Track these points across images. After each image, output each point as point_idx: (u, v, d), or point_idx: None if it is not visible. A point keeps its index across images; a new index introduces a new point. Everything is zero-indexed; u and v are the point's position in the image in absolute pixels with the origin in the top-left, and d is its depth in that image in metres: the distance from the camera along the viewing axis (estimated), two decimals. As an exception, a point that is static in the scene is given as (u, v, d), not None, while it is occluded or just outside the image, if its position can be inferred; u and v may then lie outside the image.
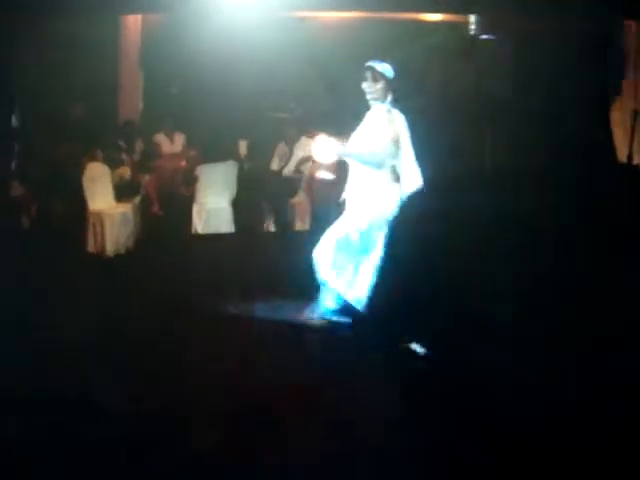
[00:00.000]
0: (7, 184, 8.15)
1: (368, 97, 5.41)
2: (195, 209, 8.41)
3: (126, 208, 8.13)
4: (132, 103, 9.69)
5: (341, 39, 9.77)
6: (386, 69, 5.32)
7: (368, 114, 5.48)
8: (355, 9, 9.22)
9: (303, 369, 4.97)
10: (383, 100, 5.36)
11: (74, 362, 4.93)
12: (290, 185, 8.69)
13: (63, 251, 7.69)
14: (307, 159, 8.74)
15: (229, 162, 8.62)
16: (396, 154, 5.33)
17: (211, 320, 5.87)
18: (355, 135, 5.50)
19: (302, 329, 5.64)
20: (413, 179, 5.37)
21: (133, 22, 9.80)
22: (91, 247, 7.84)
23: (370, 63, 5.34)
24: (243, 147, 9.34)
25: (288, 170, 8.88)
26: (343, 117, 9.43)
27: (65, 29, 9.11)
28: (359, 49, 9.64)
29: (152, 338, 5.45)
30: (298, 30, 9.80)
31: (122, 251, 7.89)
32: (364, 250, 5.43)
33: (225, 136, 9.02)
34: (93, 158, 8.32)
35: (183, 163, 9.10)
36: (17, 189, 8.23)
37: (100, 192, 8.07)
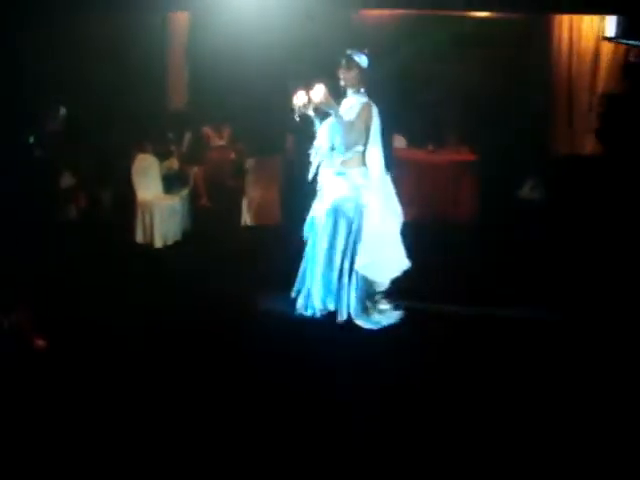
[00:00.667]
0: (58, 174, 8.19)
1: (342, 83, 5.69)
2: (245, 201, 8.40)
3: (175, 199, 8.16)
4: (180, 95, 9.71)
5: (395, 34, 9.76)
6: (362, 59, 5.59)
7: (344, 101, 5.72)
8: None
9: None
10: (356, 88, 5.63)
11: (120, 354, 5.00)
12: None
13: (112, 241, 7.75)
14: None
15: (277, 155, 8.61)
16: (362, 141, 5.61)
17: (260, 312, 5.91)
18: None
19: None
20: (377, 165, 5.65)
21: (180, 15, 9.82)
22: (140, 238, 7.86)
23: (348, 51, 5.60)
24: (290, 140, 9.29)
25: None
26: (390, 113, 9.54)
27: (114, 22, 9.17)
28: (403, 43, 9.69)
29: (199, 330, 5.49)
30: (346, 24, 9.80)
31: (170, 242, 7.92)
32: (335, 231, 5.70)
33: (273, 129, 8.99)
34: (142, 149, 8.33)
35: (232, 155, 9.09)
36: (67, 179, 8.27)
37: (149, 183, 8.09)
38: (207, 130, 9.32)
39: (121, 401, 4.32)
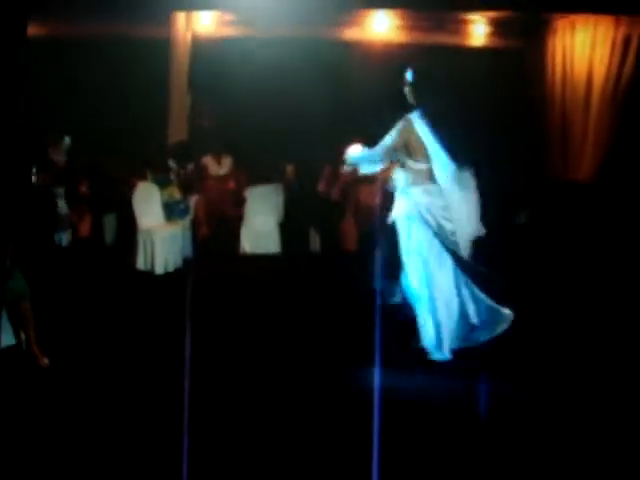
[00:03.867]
0: (61, 200, 8.36)
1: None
2: (243, 230, 8.54)
3: (175, 228, 8.32)
4: (181, 124, 9.86)
5: (389, 64, 9.96)
6: (409, 73, 5.55)
7: None
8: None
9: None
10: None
11: (119, 379, 5.12)
12: (336, 208, 8.82)
13: (114, 268, 7.88)
14: (353, 182, 8.91)
15: (277, 184, 8.77)
16: (404, 159, 5.50)
17: (258, 338, 5.98)
18: None
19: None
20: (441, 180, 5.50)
21: (182, 43, 10.00)
22: (141, 265, 8.01)
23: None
24: (290, 170, 9.46)
25: (334, 193, 9.01)
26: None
27: (116, 50, 9.40)
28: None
29: (200, 356, 5.59)
30: (346, 54, 10.03)
31: (171, 269, 8.06)
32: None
33: (273, 159, 9.17)
34: (143, 177, 8.52)
35: (231, 185, 9.24)
36: (69, 205, 8.42)
37: (150, 211, 8.26)
38: (206, 159, 9.46)
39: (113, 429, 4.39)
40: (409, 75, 5.57)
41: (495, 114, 9.92)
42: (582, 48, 9.84)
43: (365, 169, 5.79)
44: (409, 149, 5.48)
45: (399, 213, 5.60)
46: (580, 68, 9.91)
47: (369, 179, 9.24)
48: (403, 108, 5.61)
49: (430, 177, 5.49)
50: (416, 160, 5.46)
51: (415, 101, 5.52)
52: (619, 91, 9.62)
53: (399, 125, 5.51)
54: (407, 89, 5.57)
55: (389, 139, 5.52)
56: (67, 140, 8.70)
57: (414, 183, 5.50)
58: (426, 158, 5.45)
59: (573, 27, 9.89)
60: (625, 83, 9.56)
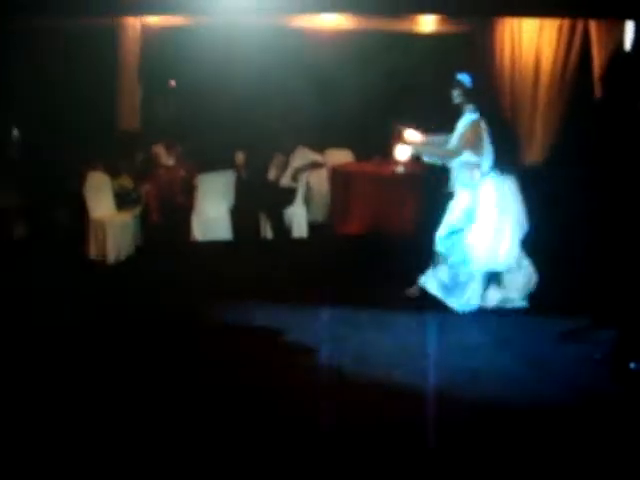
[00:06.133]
0: (11, 191, 8.36)
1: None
2: (194, 218, 8.60)
3: (127, 216, 8.37)
4: (132, 113, 9.84)
5: (339, 50, 10.04)
6: (464, 78, 6.29)
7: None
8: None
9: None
10: (465, 106, 6.31)
11: (74, 365, 5.18)
12: (287, 194, 8.90)
13: (66, 257, 7.90)
14: (303, 169, 9.01)
15: (227, 172, 8.82)
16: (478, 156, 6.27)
17: (209, 326, 6.08)
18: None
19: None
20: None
21: (132, 32, 9.96)
22: (93, 254, 8.05)
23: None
24: (241, 157, 9.50)
25: (285, 180, 9.10)
26: (338, 127, 9.81)
27: (65, 39, 9.33)
28: (356, 59, 9.97)
29: (152, 344, 5.66)
30: (296, 41, 10.06)
31: (123, 258, 8.12)
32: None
33: (223, 146, 9.21)
34: (94, 167, 8.52)
35: (182, 173, 9.28)
36: (21, 197, 8.42)
37: (101, 201, 8.29)
38: (157, 149, 9.49)
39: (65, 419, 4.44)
40: (466, 80, 6.26)
41: (444, 98, 10.05)
42: (530, 31, 9.96)
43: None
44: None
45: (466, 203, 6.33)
46: (528, 52, 10.02)
47: (319, 165, 9.44)
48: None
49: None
50: (476, 154, 6.24)
51: (469, 103, 6.29)
52: (566, 74, 9.73)
53: (469, 123, 6.25)
54: (458, 92, 6.30)
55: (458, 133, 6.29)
56: (15, 131, 8.71)
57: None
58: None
59: (520, 11, 10.01)
60: (572, 66, 9.69)
